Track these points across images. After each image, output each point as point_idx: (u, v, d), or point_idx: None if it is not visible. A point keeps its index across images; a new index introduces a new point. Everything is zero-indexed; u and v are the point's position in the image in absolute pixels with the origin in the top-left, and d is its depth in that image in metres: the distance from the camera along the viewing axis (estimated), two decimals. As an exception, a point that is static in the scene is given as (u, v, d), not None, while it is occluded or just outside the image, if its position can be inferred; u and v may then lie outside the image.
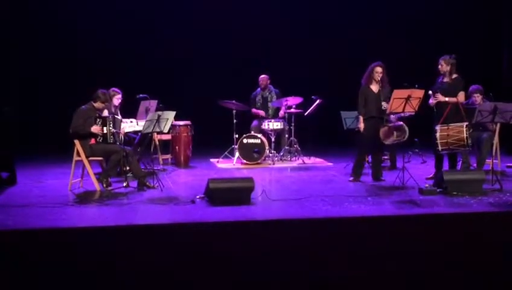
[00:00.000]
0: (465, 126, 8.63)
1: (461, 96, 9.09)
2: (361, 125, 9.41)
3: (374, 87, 9.38)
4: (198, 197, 8.04)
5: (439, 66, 9.15)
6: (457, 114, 8.95)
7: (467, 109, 9.34)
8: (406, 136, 9.21)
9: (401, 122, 9.49)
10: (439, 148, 8.76)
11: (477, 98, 9.83)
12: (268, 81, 12.08)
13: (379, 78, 9.32)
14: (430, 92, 9.06)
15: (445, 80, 9.14)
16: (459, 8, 14.28)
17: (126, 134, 9.75)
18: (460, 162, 9.62)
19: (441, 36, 14.00)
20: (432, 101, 9.13)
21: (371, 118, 9.34)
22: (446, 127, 8.75)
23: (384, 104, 9.19)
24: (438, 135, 8.75)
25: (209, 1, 14.10)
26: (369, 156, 10.06)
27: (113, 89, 9.90)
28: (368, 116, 9.35)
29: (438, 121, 8.96)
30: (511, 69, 13.20)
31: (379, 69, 9.33)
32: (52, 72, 13.69)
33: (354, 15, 14.35)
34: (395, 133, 9.12)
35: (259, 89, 12.14)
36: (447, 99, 9.02)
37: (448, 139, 8.68)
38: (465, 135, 8.59)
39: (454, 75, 9.13)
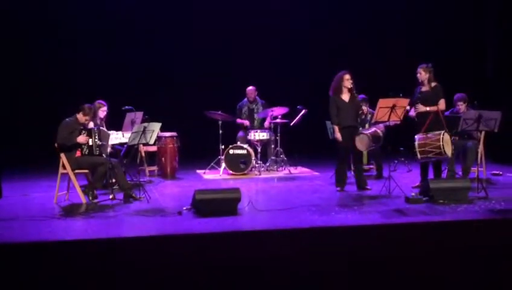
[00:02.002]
0: (442, 134, 8.67)
1: (442, 104, 9.17)
2: (338, 135, 9.40)
3: (345, 96, 9.40)
4: (185, 208, 8.02)
5: (418, 75, 9.23)
6: (438, 122, 9.01)
7: (452, 117, 9.40)
8: (381, 142, 9.29)
9: (374, 129, 9.56)
10: (418, 156, 8.82)
11: (462, 106, 9.89)
12: (256, 93, 12.09)
13: (351, 85, 9.34)
14: (408, 107, 9.12)
15: (425, 88, 9.21)
16: (446, 18, 14.40)
17: (112, 146, 9.73)
18: (445, 171, 9.67)
19: (426, 45, 14.09)
20: (412, 113, 9.19)
21: (346, 127, 9.36)
22: (424, 136, 8.81)
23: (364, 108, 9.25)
24: (416, 143, 8.80)
25: (194, 13, 14.14)
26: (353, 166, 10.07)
27: (99, 101, 9.88)
28: (343, 126, 9.37)
29: (419, 131, 9.01)
30: (496, 78, 13.29)
31: (348, 76, 9.36)
32: (36, 85, 13.66)
33: (340, 25, 14.39)
34: (368, 140, 9.17)
35: (245, 99, 12.12)
36: (428, 109, 9.10)
37: (426, 148, 8.74)
38: (441, 143, 8.63)
39: (434, 84, 9.20)
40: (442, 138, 8.65)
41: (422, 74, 9.18)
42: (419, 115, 9.20)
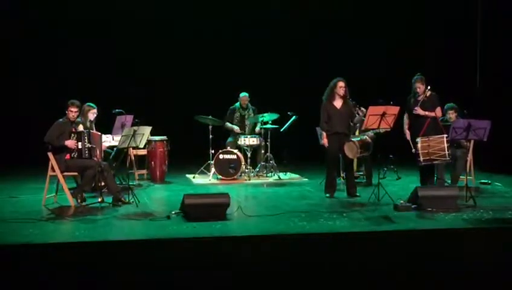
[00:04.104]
0: (445, 137, 8.77)
1: (438, 111, 9.34)
2: (325, 141, 9.47)
3: (337, 103, 9.44)
4: (173, 212, 8.00)
5: (418, 89, 9.33)
6: (436, 128, 9.13)
7: (443, 126, 9.46)
8: (370, 150, 9.36)
9: (365, 136, 9.62)
10: (421, 159, 8.91)
11: (452, 115, 9.97)
12: (248, 100, 12.09)
13: (343, 93, 9.39)
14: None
15: (420, 97, 9.29)
16: (435, 27, 14.48)
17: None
18: (435, 178, 9.70)
19: (415, 55, 14.15)
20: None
21: (336, 133, 9.40)
22: (427, 139, 8.90)
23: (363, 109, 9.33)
24: (419, 146, 8.89)
25: (186, 18, 14.15)
26: (344, 172, 10.09)
27: (89, 104, 9.83)
28: (332, 132, 9.40)
29: (416, 135, 9.11)
30: (485, 88, 13.32)
31: (342, 84, 9.41)
32: (24, 87, 13.63)
33: (331, 31, 14.44)
34: (356, 147, 9.22)
35: (237, 104, 12.11)
36: (426, 113, 9.24)
37: (430, 150, 8.83)
38: (445, 145, 8.75)
39: (429, 92, 9.30)
40: (446, 141, 8.76)
41: (422, 87, 9.32)
42: (416, 120, 9.29)
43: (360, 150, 9.28)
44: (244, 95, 12.06)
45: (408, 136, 9.49)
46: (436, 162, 9.05)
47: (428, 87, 9.35)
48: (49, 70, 13.66)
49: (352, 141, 9.35)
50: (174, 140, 11.68)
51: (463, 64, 13.94)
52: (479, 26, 13.31)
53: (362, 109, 10.31)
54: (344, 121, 9.43)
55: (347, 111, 9.46)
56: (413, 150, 9.19)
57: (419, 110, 9.32)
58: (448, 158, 8.92)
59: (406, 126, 9.62)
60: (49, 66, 13.65)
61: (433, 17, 14.52)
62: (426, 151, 8.90)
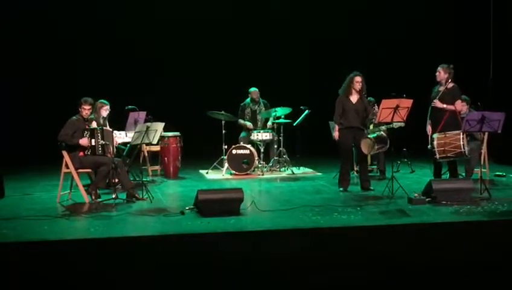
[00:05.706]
0: (462, 134, 8.69)
1: (458, 105, 9.20)
2: (336, 134, 9.46)
3: (353, 98, 9.41)
4: (187, 208, 8.01)
5: (437, 74, 9.23)
6: (454, 122, 9.01)
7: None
8: (387, 146, 9.31)
9: (380, 132, 9.59)
10: (437, 156, 8.84)
11: (464, 107, 9.88)
12: (259, 94, 12.08)
13: (359, 88, 9.35)
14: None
15: (441, 88, 9.20)
16: (449, 19, 14.43)
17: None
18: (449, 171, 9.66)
19: (431, 46, 14.10)
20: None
21: (350, 128, 9.37)
22: (443, 135, 8.83)
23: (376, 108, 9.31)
24: (435, 143, 8.82)
25: (197, 13, 14.16)
26: (357, 166, 10.07)
27: (101, 100, 9.85)
28: (346, 126, 9.37)
29: (435, 129, 9.03)
30: (498, 79, 13.24)
31: (359, 79, 9.37)
32: (38, 85, 13.69)
33: (344, 26, 14.43)
34: (372, 143, 9.18)
35: (248, 100, 12.11)
36: (445, 106, 9.10)
37: (446, 147, 8.76)
38: (461, 143, 8.68)
39: (451, 84, 9.19)
40: (462, 137, 8.69)
41: (441, 74, 9.21)
42: (435, 113, 9.22)
43: (378, 146, 9.24)
44: (254, 90, 12.06)
45: (429, 131, 9.36)
46: (451, 159, 8.98)
47: (449, 80, 9.24)
48: (63, 68, 13.71)
49: (369, 137, 9.31)
50: (187, 136, 11.70)
51: (476, 55, 13.88)
52: (492, 17, 13.24)
53: (375, 108, 10.27)
54: (359, 116, 9.39)
55: (362, 106, 9.42)
56: (429, 146, 9.10)
57: (437, 103, 9.18)
58: (466, 155, 8.84)
59: (429, 120, 9.46)
60: (63, 64, 13.70)
61: (445, 9, 14.47)
62: (442, 148, 8.82)
